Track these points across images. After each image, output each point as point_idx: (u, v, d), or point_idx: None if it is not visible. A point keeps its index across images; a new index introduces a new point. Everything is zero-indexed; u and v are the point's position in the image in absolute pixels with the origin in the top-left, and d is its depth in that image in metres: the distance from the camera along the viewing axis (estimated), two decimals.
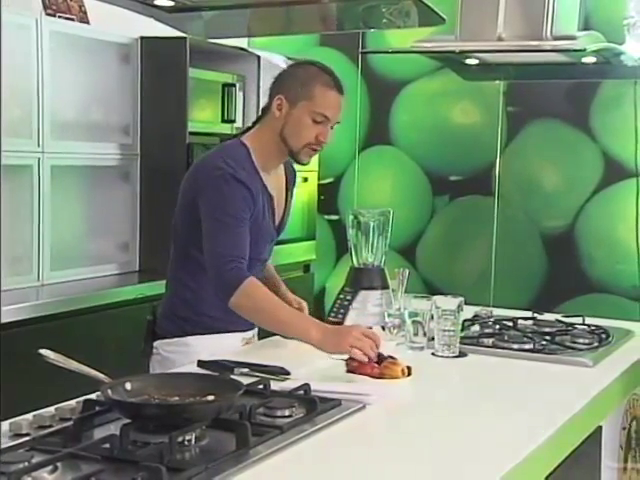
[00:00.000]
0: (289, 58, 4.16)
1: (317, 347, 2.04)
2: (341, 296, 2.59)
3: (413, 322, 2.26)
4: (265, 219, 2.30)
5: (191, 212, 2.24)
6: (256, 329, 2.46)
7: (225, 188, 2.18)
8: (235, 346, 2.35)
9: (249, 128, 2.38)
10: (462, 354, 2.24)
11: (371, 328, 2.34)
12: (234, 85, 3.96)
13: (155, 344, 2.36)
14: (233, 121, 3.96)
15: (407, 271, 2.52)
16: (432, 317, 2.25)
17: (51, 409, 1.61)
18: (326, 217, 4.67)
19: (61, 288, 3.26)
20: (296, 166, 2.46)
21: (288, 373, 1.96)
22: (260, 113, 2.37)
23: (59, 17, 3.39)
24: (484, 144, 4.27)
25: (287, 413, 1.63)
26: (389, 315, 2.40)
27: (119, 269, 3.63)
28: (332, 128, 2.29)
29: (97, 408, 1.57)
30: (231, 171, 2.19)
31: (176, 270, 2.37)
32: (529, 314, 2.71)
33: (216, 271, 2.15)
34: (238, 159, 2.25)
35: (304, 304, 2.45)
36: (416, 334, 2.27)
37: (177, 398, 1.59)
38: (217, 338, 2.33)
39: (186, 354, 2.28)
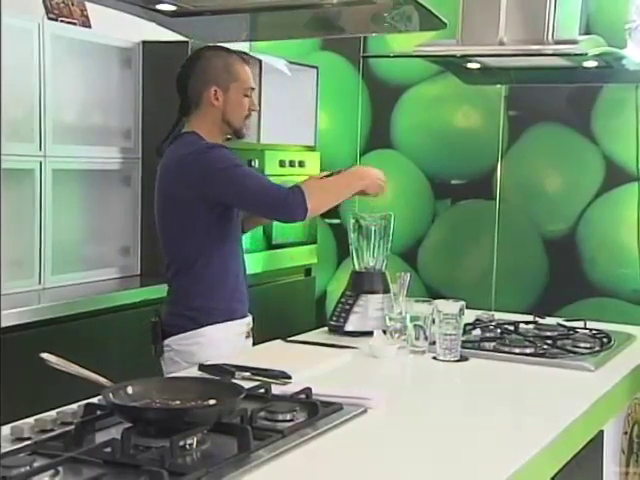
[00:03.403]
0: (291, 62, 4.16)
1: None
2: (342, 300, 2.59)
3: (414, 326, 2.26)
4: None
5: (190, 204, 2.37)
6: (250, 317, 2.55)
7: (225, 151, 2.40)
8: (242, 332, 2.49)
9: (177, 124, 2.55)
10: (463, 358, 2.24)
11: (372, 333, 2.35)
12: None
13: (166, 342, 2.41)
14: None
15: (408, 275, 2.52)
16: (433, 321, 2.25)
17: (52, 413, 1.61)
18: (327, 221, 4.67)
19: (62, 292, 3.26)
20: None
21: (289, 377, 1.96)
22: (183, 106, 2.54)
23: (61, 21, 3.39)
24: (485, 148, 4.27)
25: (288, 417, 1.62)
26: (390, 319, 2.40)
27: (120, 273, 3.63)
28: None
29: (98, 412, 1.57)
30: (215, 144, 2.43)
31: (177, 268, 2.44)
32: (530, 318, 2.71)
33: (276, 204, 2.34)
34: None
35: None
36: (417, 338, 2.27)
37: (178, 402, 1.59)
38: (227, 326, 2.44)
39: (202, 345, 2.38)
